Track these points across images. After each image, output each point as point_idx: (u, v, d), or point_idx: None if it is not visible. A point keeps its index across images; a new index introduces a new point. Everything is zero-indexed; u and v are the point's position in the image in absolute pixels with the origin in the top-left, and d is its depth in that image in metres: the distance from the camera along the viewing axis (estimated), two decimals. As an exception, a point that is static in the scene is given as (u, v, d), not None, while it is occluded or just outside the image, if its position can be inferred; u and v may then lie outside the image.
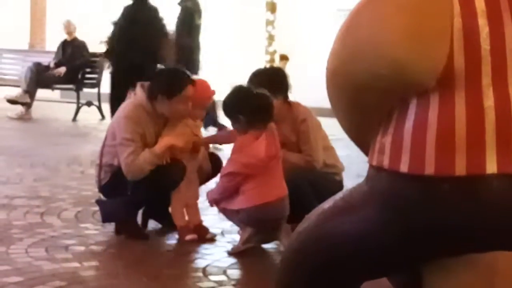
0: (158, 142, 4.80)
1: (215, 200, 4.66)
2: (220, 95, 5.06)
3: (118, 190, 4.80)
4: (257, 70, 5.36)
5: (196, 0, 10.62)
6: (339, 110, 2.05)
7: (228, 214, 4.67)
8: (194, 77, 5.06)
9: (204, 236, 4.83)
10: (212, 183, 5.02)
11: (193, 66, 10.14)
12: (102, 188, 4.97)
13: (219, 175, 5.08)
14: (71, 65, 11.93)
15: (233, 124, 4.72)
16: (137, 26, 9.24)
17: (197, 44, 10.50)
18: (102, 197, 5.01)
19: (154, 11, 9.65)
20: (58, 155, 8.06)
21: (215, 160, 5.15)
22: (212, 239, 4.82)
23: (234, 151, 4.64)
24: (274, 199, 4.50)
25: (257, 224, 4.53)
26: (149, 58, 9.25)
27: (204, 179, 5.16)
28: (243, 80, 5.03)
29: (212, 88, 5.11)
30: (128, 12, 9.41)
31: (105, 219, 4.90)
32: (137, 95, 4.87)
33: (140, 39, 9.19)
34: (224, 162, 4.89)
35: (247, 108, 4.57)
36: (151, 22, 9.47)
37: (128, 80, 9.34)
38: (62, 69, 11.90)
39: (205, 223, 4.97)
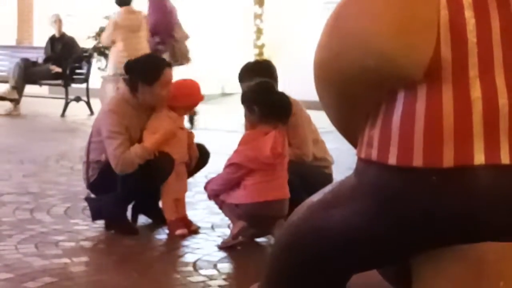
0: (145, 135, 4.78)
1: (214, 191, 4.64)
2: (207, 90, 5.05)
3: (107, 187, 4.78)
4: (247, 63, 5.38)
5: None
6: (327, 102, 2.05)
7: (225, 207, 4.66)
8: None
9: (189, 228, 4.82)
10: (200, 177, 5.01)
11: None
12: (90, 185, 4.95)
13: (206, 168, 5.10)
14: (66, 63, 11.86)
15: (247, 115, 4.72)
16: None
17: None
18: (90, 194, 5.00)
19: None
20: (47, 151, 8.04)
21: (203, 152, 5.14)
22: (195, 231, 4.81)
23: (241, 143, 4.64)
24: (274, 199, 4.48)
25: (253, 220, 4.51)
26: None
27: (192, 171, 5.14)
28: (233, 75, 5.04)
29: (201, 88, 5.09)
30: None
31: (95, 217, 4.88)
32: (120, 89, 4.86)
33: None
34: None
35: (263, 101, 4.59)
36: None
37: None
38: (58, 69, 11.86)
39: (194, 217, 4.98)
